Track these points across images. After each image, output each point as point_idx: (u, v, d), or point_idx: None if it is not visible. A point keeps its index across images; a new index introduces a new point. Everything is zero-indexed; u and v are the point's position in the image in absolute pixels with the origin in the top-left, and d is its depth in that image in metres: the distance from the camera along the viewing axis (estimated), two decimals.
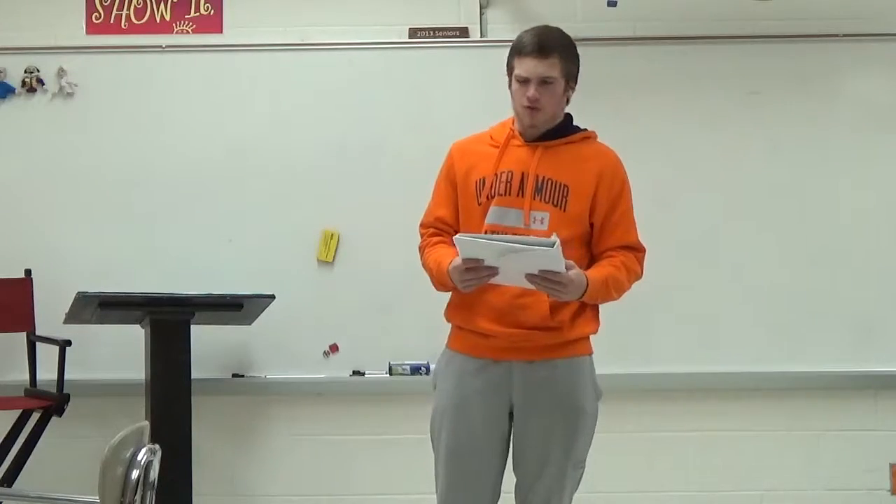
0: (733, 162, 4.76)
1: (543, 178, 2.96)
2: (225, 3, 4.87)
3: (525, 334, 2.92)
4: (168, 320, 4.34)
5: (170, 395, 4.31)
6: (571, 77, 3.01)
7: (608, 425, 4.63)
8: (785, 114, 4.77)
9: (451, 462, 2.99)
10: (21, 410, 4.44)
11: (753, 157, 4.76)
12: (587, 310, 3.00)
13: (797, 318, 4.70)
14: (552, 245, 2.70)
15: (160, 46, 4.80)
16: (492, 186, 2.97)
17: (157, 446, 2.34)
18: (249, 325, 4.54)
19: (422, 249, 3.10)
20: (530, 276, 2.78)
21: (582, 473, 3.04)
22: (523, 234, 2.89)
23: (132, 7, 4.85)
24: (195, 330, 4.40)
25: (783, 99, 4.77)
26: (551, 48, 2.95)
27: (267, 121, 4.77)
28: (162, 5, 4.85)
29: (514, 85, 2.99)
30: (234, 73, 4.79)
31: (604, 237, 3.00)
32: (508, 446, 3.03)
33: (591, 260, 3.01)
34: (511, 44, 3.03)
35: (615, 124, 4.71)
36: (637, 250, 3.06)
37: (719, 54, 4.77)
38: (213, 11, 4.86)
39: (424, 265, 3.07)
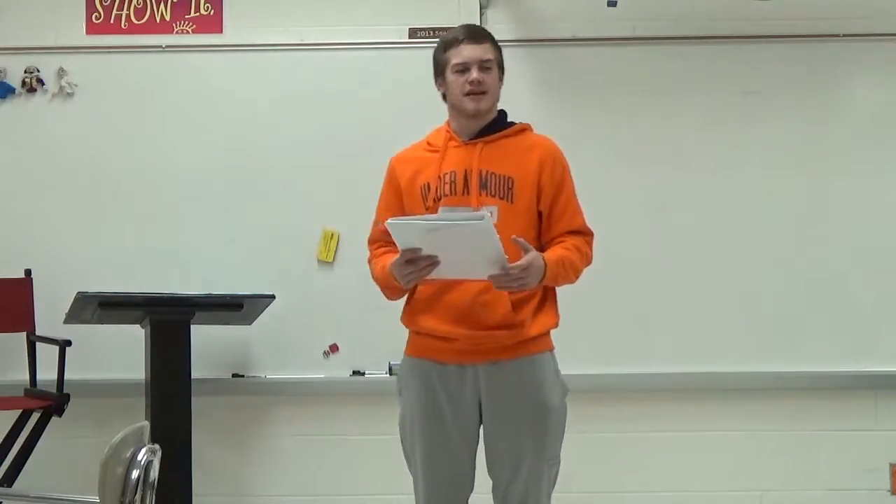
0: (733, 161, 4.76)
1: (487, 172, 2.97)
2: (225, 3, 4.87)
3: (488, 335, 2.92)
4: (168, 320, 4.34)
5: (170, 395, 4.31)
6: (502, 68, 3.06)
7: (607, 426, 4.69)
8: (785, 114, 4.76)
9: (428, 469, 3.00)
10: (21, 410, 4.44)
11: (753, 157, 4.76)
12: (546, 304, 3.01)
13: (797, 318, 4.70)
14: (482, 218, 2.68)
15: (160, 46, 4.80)
16: (437, 189, 2.98)
17: (157, 446, 2.33)
18: (249, 325, 4.54)
19: (370, 262, 3.11)
20: (493, 277, 2.77)
21: (557, 470, 3.03)
22: None
23: (132, 7, 4.85)
24: (195, 330, 4.40)
25: (783, 99, 4.77)
26: (483, 35, 3.05)
27: (267, 121, 4.77)
28: (162, 5, 4.85)
29: (452, 77, 3.01)
30: (234, 73, 4.79)
31: (551, 225, 3.01)
32: (478, 442, 3.04)
33: (541, 251, 2.99)
34: (438, 49, 3.10)
35: (615, 124, 4.75)
36: (585, 234, 3.05)
37: (719, 54, 4.77)
38: (213, 11, 4.86)
39: (373, 277, 3.08)
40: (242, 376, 4.72)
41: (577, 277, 3.00)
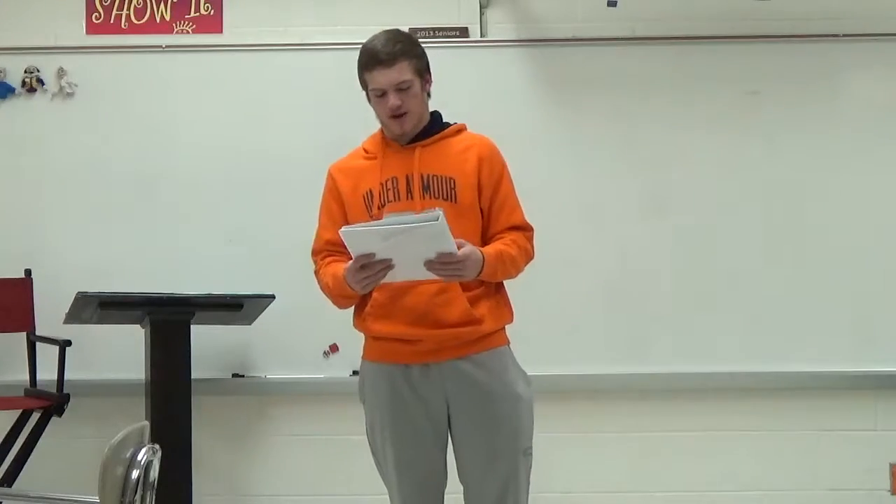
0: (733, 162, 4.76)
1: (428, 175, 2.97)
2: (225, 3, 4.87)
3: (450, 333, 2.92)
4: (168, 320, 4.33)
5: (170, 395, 4.31)
6: (424, 71, 3.01)
7: (608, 426, 4.68)
8: (785, 114, 4.76)
9: (403, 471, 3.01)
10: (21, 410, 4.44)
11: (753, 157, 4.76)
12: (501, 301, 3.03)
13: (797, 318, 4.70)
14: (437, 218, 2.68)
15: (160, 46, 4.80)
16: (380, 196, 2.97)
17: (157, 446, 2.34)
18: (249, 325, 4.54)
19: (317, 274, 3.08)
20: (428, 263, 2.77)
21: (531, 462, 3.02)
22: None
23: (132, 7, 4.85)
24: (195, 330, 4.40)
25: (783, 99, 4.77)
26: (395, 54, 2.93)
27: (266, 120, 4.77)
28: (162, 5, 4.85)
29: (374, 99, 2.99)
30: (234, 73, 4.79)
31: (491, 221, 3.01)
32: (448, 443, 3.04)
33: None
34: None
35: (615, 124, 4.75)
36: (525, 229, 3.05)
37: (719, 54, 4.77)
38: (213, 11, 4.86)
39: (323, 286, 3.05)
40: (242, 376, 4.72)
41: (517, 272, 3.01)
